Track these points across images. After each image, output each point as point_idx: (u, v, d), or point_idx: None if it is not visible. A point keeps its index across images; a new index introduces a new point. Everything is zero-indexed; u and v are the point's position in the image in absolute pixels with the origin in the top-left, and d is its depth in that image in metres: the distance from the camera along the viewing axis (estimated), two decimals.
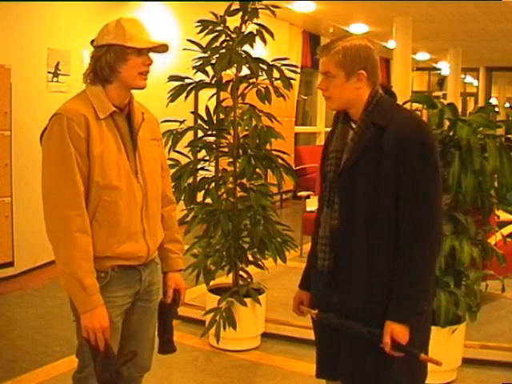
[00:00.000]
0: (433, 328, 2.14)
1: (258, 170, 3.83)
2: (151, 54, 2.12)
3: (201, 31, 3.80)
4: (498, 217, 4.07)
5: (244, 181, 3.85)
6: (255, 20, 3.77)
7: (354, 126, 2.03)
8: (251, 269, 4.00)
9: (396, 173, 1.90)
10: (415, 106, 7.62)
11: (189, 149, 3.87)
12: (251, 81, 3.85)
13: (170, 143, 3.72)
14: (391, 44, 10.18)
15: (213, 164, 4.01)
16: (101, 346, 2.03)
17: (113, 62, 2.04)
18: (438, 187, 1.95)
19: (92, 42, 2.12)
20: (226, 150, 3.91)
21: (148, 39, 2.09)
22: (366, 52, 2.00)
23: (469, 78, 17.58)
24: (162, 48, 2.12)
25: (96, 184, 2.00)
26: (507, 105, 17.59)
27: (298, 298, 2.25)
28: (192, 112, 4.36)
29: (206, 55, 3.79)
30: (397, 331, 1.87)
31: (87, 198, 2.01)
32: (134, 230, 2.08)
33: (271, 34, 3.81)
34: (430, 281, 1.98)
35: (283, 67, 3.82)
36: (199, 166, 3.88)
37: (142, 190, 2.10)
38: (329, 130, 8.18)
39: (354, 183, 1.96)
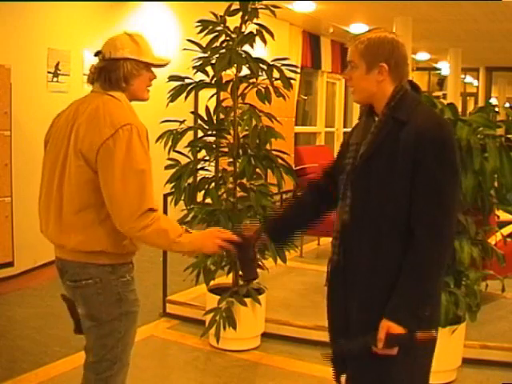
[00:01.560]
0: None
1: (257, 170, 3.83)
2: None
3: (201, 31, 3.80)
4: (498, 217, 4.07)
5: (244, 181, 3.85)
6: (255, 20, 3.77)
7: (375, 120, 2.01)
8: None
9: (411, 169, 1.85)
10: None
11: (189, 149, 3.86)
12: (251, 81, 3.85)
13: (169, 143, 3.72)
14: None
15: (213, 164, 4.01)
16: (231, 248, 2.26)
17: (129, 74, 2.18)
18: (454, 189, 1.89)
19: (97, 53, 2.24)
20: (226, 150, 3.91)
21: (157, 56, 2.28)
22: (391, 45, 1.96)
23: (469, 78, 17.57)
24: (165, 65, 2.32)
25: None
26: (507, 105, 17.57)
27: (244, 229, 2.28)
28: (192, 112, 4.36)
29: (206, 55, 3.79)
30: (393, 329, 1.83)
31: None
32: None
33: (271, 34, 3.81)
34: (436, 286, 1.92)
35: (283, 67, 3.82)
36: (199, 166, 3.88)
37: None
38: (328, 130, 8.27)
39: (369, 177, 1.93)
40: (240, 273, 3.45)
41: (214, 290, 3.95)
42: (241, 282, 3.95)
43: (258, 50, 3.92)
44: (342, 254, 2.00)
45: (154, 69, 2.29)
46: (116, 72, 2.18)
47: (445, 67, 15.25)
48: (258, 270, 4.01)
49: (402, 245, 1.87)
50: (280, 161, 3.85)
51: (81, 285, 2.19)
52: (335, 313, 2.09)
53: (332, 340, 2.14)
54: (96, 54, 2.26)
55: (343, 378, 2.11)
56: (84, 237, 2.14)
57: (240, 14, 3.79)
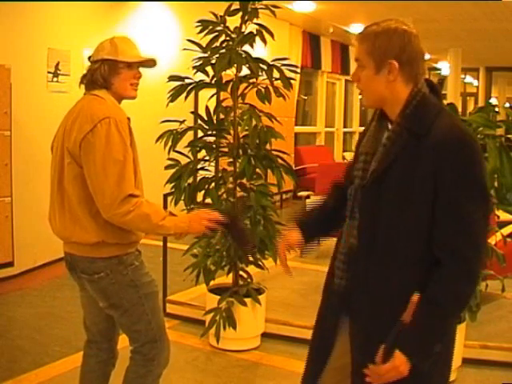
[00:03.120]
0: None
1: (258, 170, 3.83)
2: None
3: (201, 31, 3.80)
4: (498, 217, 4.07)
5: (244, 181, 3.85)
6: (255, 20, 3.77)
7: (389, 127, 1.75)
8: (251, 269, 4.00)
9: (430, 192, 1.62)
10: None
11: (189, 149, 3.86)
12: (251, 81, 3.85)
13: (169, 143, 3.72)
14: None
15: (213, 164, 4.01)
16: (218, 228, 2.36)
17: (106, 74, 2.33)
18: (483, 216, 1.64)
19: (89, 58, 2.42)
20: (226, 150, 3.91)
21: (138, 54, 2.40)
22: (402, 38, 1.67)
23: (469, 78, 17.58)
24: (150, 63, 2.44)
25: (136, 180, 2.31)
26: (507, 105, 17.58)
27: (288, 237, 2.01)
28: (192, 112, 4.35)
29: (206, 55, 3.79)
30: (401, 368, 1.64)
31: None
32: None
33: (271, 34, 3.81)
34: (452, 322, 1.75)
35: (283, 67, 3.82)
36: (199, 166, 3.88)
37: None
38: (328, 130, 8.27)
39: (379, 199, 1.69)
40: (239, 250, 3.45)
41: (213, 290, 3.95)
42: (241, 282, 3.95)
43: (258, 49, 3.92)
44: (350, 279, 1.81)
45: (144, 68, 2.43)
46: (95, 73, 2.34)
47: (445, 67, 15.25)
48: (258, 270, 4.03)
49: (415, 274, 1.68)
50: (280, 161, 3.85)
51: (94, 279, 2.32)
52: (326, 334, 1.92)
53: (311, 359, 2.03)
54: (89, 58, 2.43)
55: None
56: (83, 229, 2.27)
57: (240, 14, 3.79)
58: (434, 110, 1.69)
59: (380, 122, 1.80)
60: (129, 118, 2.35)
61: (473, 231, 1.63)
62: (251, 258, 3.89)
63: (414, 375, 1.67)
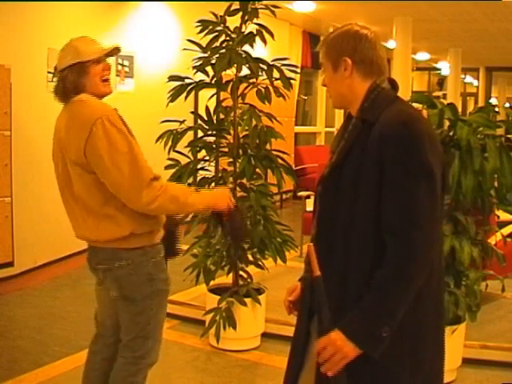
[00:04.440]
0: None
1: (258, 170, 3.83)
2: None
3: (201, 31, 3.80)
4: (498, 217, 4.07)
5: (244, 181, 3.85)
6: (255, 20, 3.77)
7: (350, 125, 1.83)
8: (251, 269, 4.00)
9: (378, 176, 1.64)
10: (415, 105, 7.66)
11: (189, 149, 3.87)
12: (251, 81, 3.85)
13: (169, 143, 3.72)
14: (391, 44, 10.17)
15: (213, 164, 4.01)
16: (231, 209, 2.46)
17: (76, 78, 2.31)
18: (428, 195, 1.63)
19: (55, 68, 2.38)
20: (226, 150, 3.92)
21: (100, 48, 2.39)
22: (354, 38, 1.78)
23: (469, 78, 17.58)
24: (115, 51, 2.42)
25: None
26: (507, 105, 17.57)
27: (291, 289, 1.97)
28: (192, 112, 4.36)
29: (206, 55, 3.79)
30: (342, 343, 1.60)
31: None
32: (163, 221, 2.48)
33: (271, 34, 3.81)
34: (400, 305, 1.63)
35: (283, 67, 3.82)
36: (199, 166, 3.88)
37: None
38: (328, 130, 8.27)
39: (336, 189, 1.74)
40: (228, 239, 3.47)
41: (214, 290, 3.95)
42: (241, 282, 3.95)
43: (258, 49, 3.92)
44: (310, 272, 1.78)
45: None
46: (65, 81, 2.32)
47: (445, 67, 15.26)
48: (258, 270, 4.04)
49: (373, 261, 1.65)
50: (280, 161, 3.85)
51: (113, 267, 2.34)
52: (299, 333, 1.87)
53: (290, 358, 1.91)
54: (54, 70, 2.40)
55: None
56: (113, 226, 2.29)
57: (240, 14, 3.79)
58: (387, 100, 1.76)
59: (347, 121, 1.88)
60: (115, 109, 2.36)
61: (415, 210, 1.62)
62: (250, 258, 3.89)
63: (377, 373, 1.66)
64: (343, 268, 1.71)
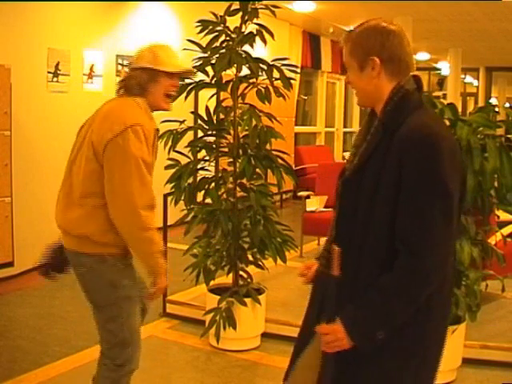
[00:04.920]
0: None
1: (258, 170, 3.83)
2: None
3: (201, 31, 3.80)
4: (498, 217, 4.07)
5: (244, 181, 3.85)
6: (255, 20, 3.77)
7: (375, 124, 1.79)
8: (251, 269, 3.99)
9: (397, 182, 1.64)
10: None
11: (189, 149, 3.87)
12: (251, 81, 3.85)
13: (169, 143, 3.72)
14: None
15: (213, 164, 4.01)
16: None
17: (144, 82, 2.36)
18: (439, 211, 1.62)
19: (129, 63, 2.46)
20: (226, 150, 3.91)
21: (178, 64, 2.42)
22: (381, 35, 1.72)
23: (469, 78, 17.57)
24: (189, 73, 2.51)
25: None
26: (507, 105, 17.57)
27: (308, 264, 2.09)
28: (192, 112, 4.36)
29: (206, 55, 3.79)
30: (338, 334, 1.68)
31: None
32: None
33: (271, 34, 3.81)
34: (398, 315, 1.67)
35: (283, 67, 3.82)
36: (199, 166, 3.88)
37: None
38: (328, 130, 8.26)
39: (357, 192, 1.73)
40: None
41: (214, 290, 3.95)
42: (241, 282, 3.95)
43: (258, 49, 3.92)
44: (328, 268, 1.87)
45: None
46: (132, 80, 2.38)
47: (445, 67, 15.26)
48: (258, 270, 4.03)
49: (383, 264, 1.68)
50: (280, 161, 3.85)
51: (78, 273, 2.39)
52: (305, 325, 2.06)
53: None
54: (129, 64, 2.49)
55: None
56: (77, 216, 2.31)
57: (240, 14, 3.79)
58: (411, 106, 1.72)
59: (370, 119, 1.85)
60: (157, 130, 2.43)
61: (429, 230, 1.62)
62: (250, 258, 3.89)
63: (381, 374, 1.72)
64: (355, 268, 1.74)
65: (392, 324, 1.68)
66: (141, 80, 2.36)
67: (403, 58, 1.75)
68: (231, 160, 3.89)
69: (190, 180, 3.83)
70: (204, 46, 3.81)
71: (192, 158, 3.89)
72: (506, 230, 4.55)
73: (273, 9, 3.83)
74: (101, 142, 2.26)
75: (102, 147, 2.26)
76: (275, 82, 3.80)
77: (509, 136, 3.37)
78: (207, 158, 3.89)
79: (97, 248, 2.32)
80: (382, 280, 1.66)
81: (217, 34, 3.79)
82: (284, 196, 9.54)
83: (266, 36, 3.79)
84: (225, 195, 3.89)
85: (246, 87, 3.89)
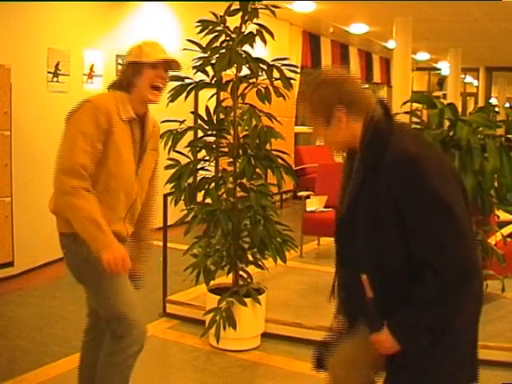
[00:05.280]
0: None
1: (258, 170, 3.83)
2: None
3: (201, 31, 3.80)
4: (498, 217, 4.08)
5: (244, 181, 3.85)
6: (255, 20, 3.77)
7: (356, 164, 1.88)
8: (251, 269, 3.99)
9: (394, 213, 1.74)
10: (415, 105, 7.67)
11: (189, 149, 3.86)
12: (251, 81, 3.84)
13: (169, 143, 3.72)
14: (391, 44, 10.18)
15: (213, 164, 4.01)
16: (124, 272, 2.37)
17: (131, 76, 2.44)
18: (447, 225, 1.72)
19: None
20: (226, 150, 3.91)
21: (161, 55, 2.47)
22: (334, 85, 1.80)
23: (469, 78, 17.58)
24: (174, 64, 2.53)
25: (107, 170, 2.37)
26: (507, 105, 17.57)
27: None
28: (192, 112, 4.35)
29: (206, 55, 3.79)
30: (385, 344, 1.85)
31: (97, 182, 2.36)
32: (121, 216, 2.49)
33: (271, 34, 3.81)
34: (439, 326, 1.80)
35: (283, 67, 3.82)
36: (199, 166, 3.88)
37: (137, 189, 2.51)
38: None
39: (354, 227, 1.85)
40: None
41: (214, 290, 3.95)
42: (241, 282, 3.95)
43: (258, 49, 3.92)
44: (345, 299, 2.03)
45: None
46: (122, 75, 2.49)
47: (445, 67, 15.26)
48: (258, 270, 4.04)
49: (405, 290, 1.80)
50: (280, 161, 3.85)
51: (63, 254, 2.51)
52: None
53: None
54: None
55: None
56: (52, 194, 2.46)
57: (240, 13, 3.79)
58: (384, 138, 1.78)
59: (350, 157, 1.93)
60: (134, 118, 2.44)
61: (442, 243, 1.71)
62: (250, 258, 3.89)
63: (415, 369, 1.85)
64: (379, 290, 1.84)
65: (434, 331, 1.79)
66: (127, 74, 2.45)
67: (362, 98, 1.81)
68: (231, 160, 3.89)
69: (190, 180, 3.82)
70: (204, 46, 3.81)
71: (192, 158, 3.89)
72: (506, 230, 4.55)
73: (273, 9, 3.82)
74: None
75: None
76: (275, 82, 3.80)
77: (509, 136, 3.38)
78: (207, 157, 3.89)
79: (68, 227, 2.38)
80: (417, 296, 1.76)
81: (217, 34, 3.79)
82: (284, 196, 9.54)
83: (266, 36, 3.79)
84: (225, 195, 3.89)
85: (246, 87, 3.89)
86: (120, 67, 2.57)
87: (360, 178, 1.81)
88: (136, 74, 2.43)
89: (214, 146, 3.90)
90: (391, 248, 1.78)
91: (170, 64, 2.51)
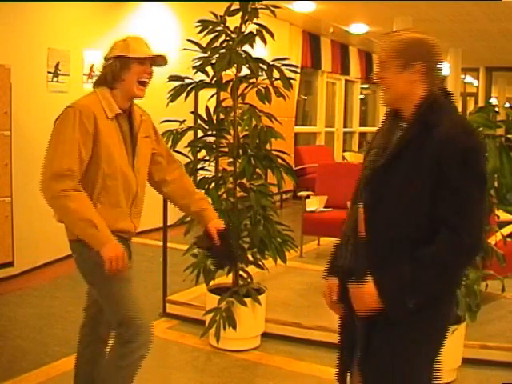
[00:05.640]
0: None
1: (258, 170, 3.83)
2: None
3: (201, 31, 3.80)
4: (498, 217, 4.07)
5: (244, 181, 3.85)
6: (255, 20, 3.77)
7: (402, 125, 1.92)
8: (251, 269, 3.99)
9: (434, 179, 1.80)
10: None
11: (189, 149, 3.87)
12: (251, 81, 3.85)
13: (170, 143, 3.72)
14: None
15: (213, 164, 4.01)
16: (122, 269, 2.36)
17: (118, 70, 2.44)
18: (480, 200, 1.83)
19: (104, 57, 2.51)
20: (226, 150, 3.91)
21: (148, 51, 2.49)
22: (429, 46, 1.92)
23: (469, 78, 17.57)
24: (161, 60, 2.53)
25: (102, 171, 2.38)
26: (507, 105, 17.56)
27: (329, 290, 2.08)
28: (192, 112, 4.35)
29: (206, 55, 3.79)
30: (366, 298, 1.84)
31: (94, 184, 2.39)
32: (126, 211, 2.49)
33: (271, 34, 3.81)
34: (432, 287, 1.84)
35: (283, 67, 3.82)
36: (199, 166, 3.88)
37: (136, 180, 2.50)
38: (328, 130, 8.26)
39: (386, 185, 1.87)
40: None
41: (214, 290, 3.95)
42: (241, 282, 3.95)
43: (258, 49, 3.92)
44: (354, 261, 1.99)
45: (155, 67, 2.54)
46: (106, 69, 2.47)
47: (445, 67, 15.25)
48: (258, 270, 4.04)
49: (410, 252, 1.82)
50: (280, 161, 3.85)
51: (73, 259, 2.53)
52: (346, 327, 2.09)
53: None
54: (104, 58, 2.54)
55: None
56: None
57: (240, 14, 3.79)
58: (443, 107, 1.88)
59: (394, 120, 1.97)
60: (120, 113, 2.46)
61: (471, 212, 1.80)
62: (250, 258, 3.89)
63: (401, 340, 1.86)
64: (382, 263, 1.86)
65: (426, 293, 1.83)
66: (114, 68, 2.43)
67: (440, 74, 1.93)
68: (231, 160, 3.89)
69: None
70: (204, 46, 3.81)
71: (192, 158, 3.89)
72: (506, 230, 4.54)
73: (273, 9, 3.83)
74: None
75: None
76: (275, 82, 3.80)
77: (509, 136, 3.38)
78: (207, 158, 3.89)
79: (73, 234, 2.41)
80: (419, 252, 1.80)
81: (217, 34, 3.79)
82: (284, 196, 9.55)
83: (266, 36, 3.79)
84: (225, 195, 3.89)
85: (246, 87, 3.89)
86: (103, 62, 2.51)
87: (409, 137, 1.85)
88: (123, 68, 2.43)
89: (214, 146, 3.90)
90: (414, 209, 1.83)
91: (156, 59, 2.52)
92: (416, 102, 1.88)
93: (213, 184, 3.85)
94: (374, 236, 1.90)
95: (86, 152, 2.34)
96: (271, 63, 3.81)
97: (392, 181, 1.85)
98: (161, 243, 4.39)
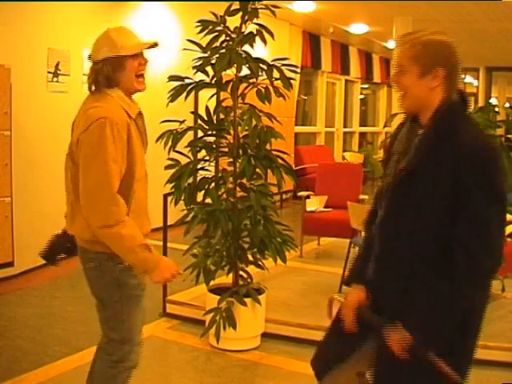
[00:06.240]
0: None
1: (258, 170, 3.83)
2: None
3: (201, 31, 3.80)
4: None
5: (244, 181, 3.85)
6: (255, 20, 3.77)
7: (419, 131, 1.87)
8: (251, 269, 3.99)
9: (450, 191, 1.74)
10: None
11: (189, 149, 3.86)
12: (251, 81, 3.84)
13: (169, 143, 3.72)
14: (391, 44, 10.18)
15: (213, 164, 4.01)
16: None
17: (111, 73, 2.26)
18: (498, 218, 1.77)
19: (89, 57, 2.31)
20: (226, 150, 3.91)
21: (139, 42, 2.30)
22: (449, 49, 1.81)
23: (469, 78, 17.57)
24: (154, 46, 2.34)
25: (133, 177, 2.28)
26: (507, 105, 17.57)
27: (356, 302, 1.98)
28: (192, 112, 4.35)
29: (206, 55, 3.79)
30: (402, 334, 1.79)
31: (127, 192, 2.25)
32: (146, 213, 2.43)
33: (271, 34, 3.81)
34: (446, 325, 1.79)
35: (283, 67, 3.82)
36: (199, 166, 3.88)
37: (147, 178, 2.43)
38: (328, 130, 8.26)
39: (406, 196, 1.83)
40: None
41: (214, 290, 3.95)
42: (241, 282, 3.95)
43: (258, 49, 3.92)
44: (375, 273, 1.95)
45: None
46: (100, 74, 2.27)
47: None
48: (258, 270, 4.04)
49: (434, 270, 1.78)
50: (280, 161, 3.85)
51: (85, 268, 2.42)
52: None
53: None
54: (88, 58, 2.35)
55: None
56: (80, 225, 2.30)
57: (240, 14, 3.79)
58: (460, 117, 1.83)
59: (412, 125, 1.92)
60: (140, 113, 2.36)
61: (489, 234, 1.74)
62: (250, 258, 3.89)
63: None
64: (403, 276, 1.84)
65: (436, 334, 1.78)
66: (108, 72, 2.25)
67: (459, 78, 1.86)
68: (231, 160, 3.89)
69: (190, 180, 3.82)
70: (204, 46, 3.81)
71: (192, 158, 3.89)
72: (506, 230, 4.54)
73: (273, 9, 3.82)
74: (73, 142, 2.25)
75: (74, 147, 2.25)
76: (275, 82, 3.80)
77: (509, 136, 3.38)
78: (207, 157, 3.89)
79: (105, 247, 2.28)
80: (438, 282, 1.75)
81: (217, 34, 3.79)
82: (284, 196, 9.55)
83: (266, 36, 3.79)
84: (225, 195, 3.89)
85: (246, 87, 3.89)
86: (91, 64, 2.30)
87: (427, 147, 1.80)
88: (117, 69, 2.26)
89: (214, 146, 3.90)
90: (428, 225, 1.79)
91: (150, 48, 2.37)
92: (434, 108, 1.82)
93: (213, 184, 3.85)
94: (387, 249, 1.87)
95: (124, 165, 2.23)
96: (271, 63, 3.81)
97: (412, 193, 1.81)
98: (161, 243, 4.39)
